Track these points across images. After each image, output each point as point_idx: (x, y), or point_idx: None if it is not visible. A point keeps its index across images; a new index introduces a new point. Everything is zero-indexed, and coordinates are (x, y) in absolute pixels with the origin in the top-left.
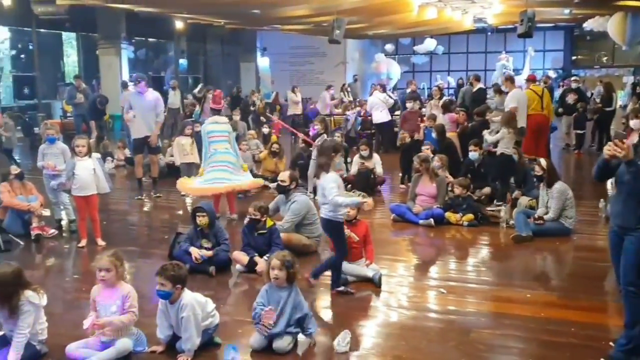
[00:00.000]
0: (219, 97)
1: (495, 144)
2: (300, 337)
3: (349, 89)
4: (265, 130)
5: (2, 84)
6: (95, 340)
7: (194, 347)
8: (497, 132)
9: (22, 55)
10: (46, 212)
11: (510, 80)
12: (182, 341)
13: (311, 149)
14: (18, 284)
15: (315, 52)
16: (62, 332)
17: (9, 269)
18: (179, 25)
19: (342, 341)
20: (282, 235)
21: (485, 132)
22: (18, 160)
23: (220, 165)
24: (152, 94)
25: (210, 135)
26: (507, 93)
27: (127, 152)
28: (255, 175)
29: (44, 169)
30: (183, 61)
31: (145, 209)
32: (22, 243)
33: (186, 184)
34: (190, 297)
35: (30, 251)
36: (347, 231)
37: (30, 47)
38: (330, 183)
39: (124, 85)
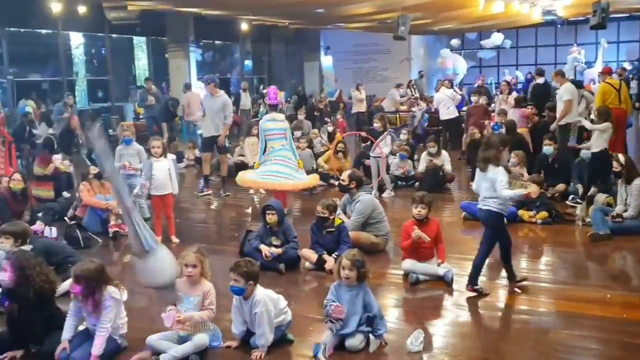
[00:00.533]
0: (273, 93)
1: (580, 142)
2: (372, 337)
3: (415, 86)
4: (330, 128)
5: (77, 88)
6: (173, 333)
7: (268, 343)
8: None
9: (95, 60)
10: None
11: (560, 74)
12: (256, 337)
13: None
14: (101, 279)
15: (379, 49)
16: (141, 326)
17: (92, 265)
18: (244, 27)
19: (415, 340)
20: (350, 233)
21: (585, 121)
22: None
23: (279, 159)
24: (221, 96)
25: (267, 133)
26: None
27: (197, 152)
28: (320, 174)
29: (121, 169)
30: (248, 62)
31: (214, 207)
32: (100, 240)
33: (244, 176)
34: (263, 294)
35: (108, 248)
36: (417, 232)
37: (103, 51)
38: (501, 176)
39: (187, 87)
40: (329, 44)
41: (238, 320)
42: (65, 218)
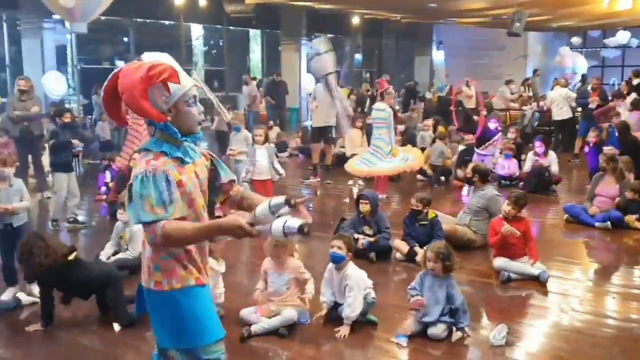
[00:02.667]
0: (380, 84)
1: None
2: (454, 328)
3: (530, 84)
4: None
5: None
6: (265, 307)
7: (354, 314)
8: None
9: (214, 51)
10: None
11: None
12: (344, 306)
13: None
14: None
15: (494, 45)
16: (237, 298)
17: None
18: (355, 20)
19: (498, 334)
20: (446, 226)
21: None
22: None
23: (372, 149)
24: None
25: (374, 122)
26: None
27: (299, 141)
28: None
29: (229, 156)
30: (358, 56)
31: (315, 194)
32: None
33: (351, 162)
34: (355, 268)
35: None
36: (507, 226)
37: (221, 43)
38: None
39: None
40: (441, 38)
41: (328, 291)
42: None
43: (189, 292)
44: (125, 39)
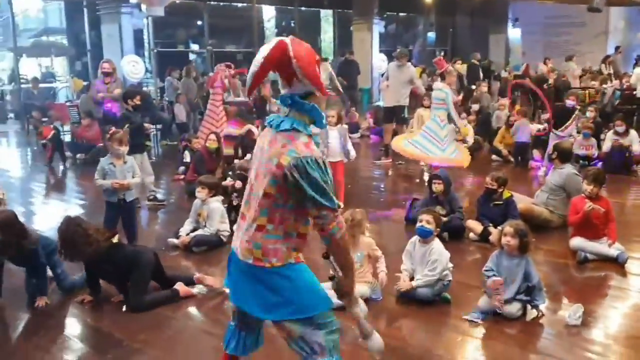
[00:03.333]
0: (439, 64)
1: None
2: (529, 306)
3: (611, 62)
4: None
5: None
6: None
7: (428, 285)
8: None
9: (285, 32)
10: None
11: None
12: (422, 275)
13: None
14: None
15: (573, 21)
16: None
17: None
18: None
19: (573, 314)
20: (521, 205)
21: None
22: None
23: (425, 131)
24: (409, 67)
25: (433, 102)
26: None
27: (371, 122)
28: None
29: None
30: (431, 34)
31: (389, 175)
32: None
33: (398, 141)
34: (441, 245)
35: None
36: (590, 204)
37: (292, 24)
38: None
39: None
40: (517, 15)
41: (408, 262)
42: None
43: (291, 267)
44: (199, 22)
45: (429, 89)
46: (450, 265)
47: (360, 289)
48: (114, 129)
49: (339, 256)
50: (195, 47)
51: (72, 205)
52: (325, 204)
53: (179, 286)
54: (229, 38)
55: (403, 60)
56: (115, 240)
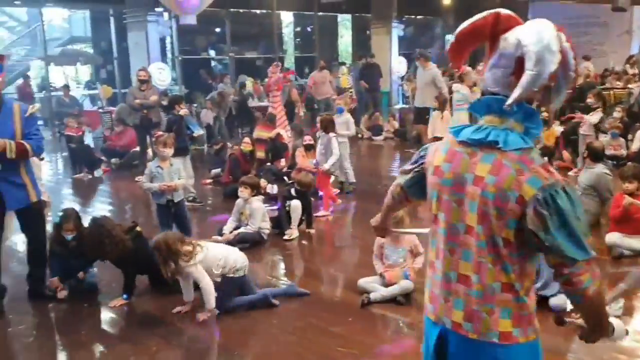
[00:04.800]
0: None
1: None
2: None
3: (635, 61)
4: None
5: (286, 64)
6: (380, 279)
7: None
8: None
9: (303, 38)
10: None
11: None
12: None
13: None
14: None
15: (595, 22)
16: (354, 269)
17: None
18: (447, 1)
19: (615, 305)
20: None
21: None
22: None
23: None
24: (431, 70)
25: (454, 103)
26: None
27: (396, 124)
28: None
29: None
30: (450, 37)
31: None
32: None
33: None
34: None
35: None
36: (628, 198)
37: (309, 29)
38: None
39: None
40: (537, 16)
41: None
42: (285, 178)
43: (537, 345)
44: (218, 30)
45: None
46: None
47: (405, 283)
48: (159, 132)
49: (592, 316)
50: (212, 53)
51: (102, 207)
52: (577, 251)
53: None
54: (248, 44)
55: (423, 62)
56: (138, 229)
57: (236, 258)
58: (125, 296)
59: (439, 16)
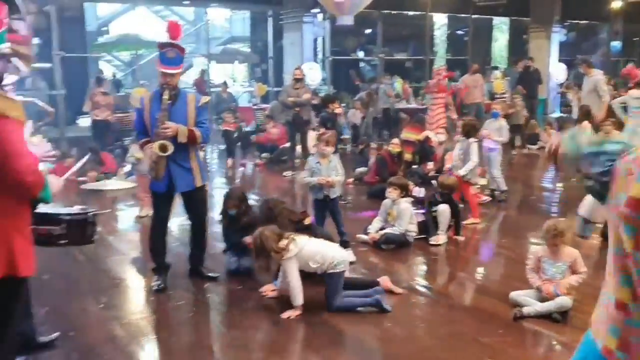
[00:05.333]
0: (630, 72)
1: None
2: None
3: None
4: None
5: (435, 66)
6: (535, 292)
7: None
8: None
9: (455, 41)
10: (482, 181)
11: None
12: None
13: None
14: None
15: None
16: (508, 282)
17: None
18: (616, 4)
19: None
20: None
21: None
22: None
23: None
24: (594, 76)
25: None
26: None
27: (553, 133)
28: None
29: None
30: (616, 43)
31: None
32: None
33: None
34: None
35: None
36: None
37: (460, 32)
38: None
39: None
40: None
41: None
42: (433, 182)
43: None
44: (367, 31)
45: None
46: None
47: (562, 300)
48: (323, 130)
49: None
50: (360, 54)
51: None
52: None
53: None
54: (397, 46)
55: (585, 69)
56: (307, 222)
57: (334, 253)
58: (275, 282)
59: (605, 21)
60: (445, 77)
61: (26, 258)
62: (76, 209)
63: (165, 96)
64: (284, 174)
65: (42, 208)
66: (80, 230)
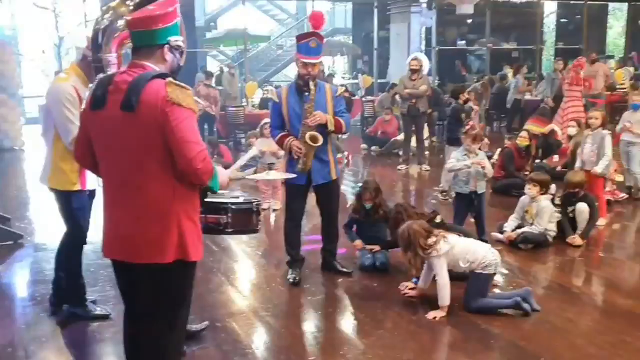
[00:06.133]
0: None
1: None
2: None
3: None
4: None
5: (544, 56)
6: None
7: None
8: None
9: (567, 28)
10: (619, 178)
11: None
12: None
13: None
14: None
15: None
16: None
17: None
18: None
19: None
20: None
21: None
22: None
23: None
24: None
25: None
26: None
27: None
28: None
29: None
30: None
31: None
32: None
33: None
34: None
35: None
36: None
37: (567, 20)
38: None
39: None
40: None
41: None
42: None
43: None
44: (468, 21)
45: None
46: None
47: None
48: (471, 123)
49: None
50: (461, 43)
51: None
52: None
53: None
54: (504, 35)
55: None
56: (437, 220)
57: (485, 253)
58: (415, 280)
59: None
60: (578, 65)
61: (196, 243)
62: (241, 198)
63: (312, 86)
64: (398, 167)
65: (209, 197)
66: (247, 219)
